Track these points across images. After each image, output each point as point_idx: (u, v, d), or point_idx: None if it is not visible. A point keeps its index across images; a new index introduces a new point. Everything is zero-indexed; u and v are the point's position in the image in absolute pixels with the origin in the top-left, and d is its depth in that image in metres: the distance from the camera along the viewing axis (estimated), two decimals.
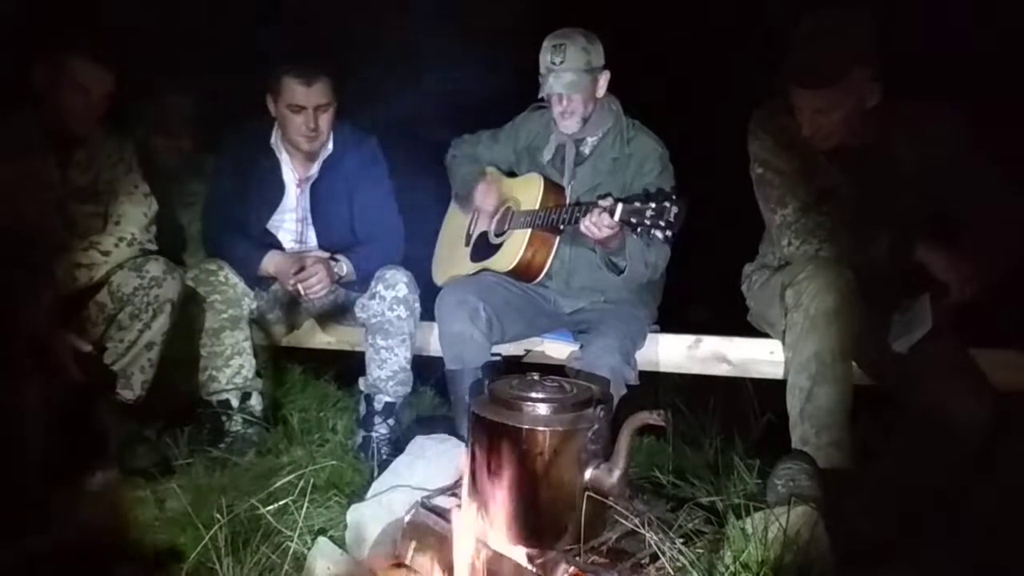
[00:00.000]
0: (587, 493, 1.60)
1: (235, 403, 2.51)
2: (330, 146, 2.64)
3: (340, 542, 1.80)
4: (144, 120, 2.92)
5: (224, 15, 3.33)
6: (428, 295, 2.52)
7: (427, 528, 1.67)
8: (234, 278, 2.52)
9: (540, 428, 1.59)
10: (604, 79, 2.43)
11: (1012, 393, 2.09)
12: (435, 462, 1.90)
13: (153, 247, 2.47)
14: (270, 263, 2.55)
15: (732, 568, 1.56)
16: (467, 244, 2.75)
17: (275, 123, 2.61)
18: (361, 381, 2.56)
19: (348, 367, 2.88)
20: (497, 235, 2.63)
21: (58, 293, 2.24)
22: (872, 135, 2.09)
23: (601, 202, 2.16)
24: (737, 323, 2.49)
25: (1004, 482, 1.94)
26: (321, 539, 1.75)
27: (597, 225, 2.16)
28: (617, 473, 1.59)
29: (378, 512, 1.78)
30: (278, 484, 1.91)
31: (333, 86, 2.52)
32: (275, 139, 2.64)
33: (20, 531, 1.77)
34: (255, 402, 2.56)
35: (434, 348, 2.61)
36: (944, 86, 2.26)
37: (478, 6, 3.41)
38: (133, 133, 2.67)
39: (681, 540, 1.60)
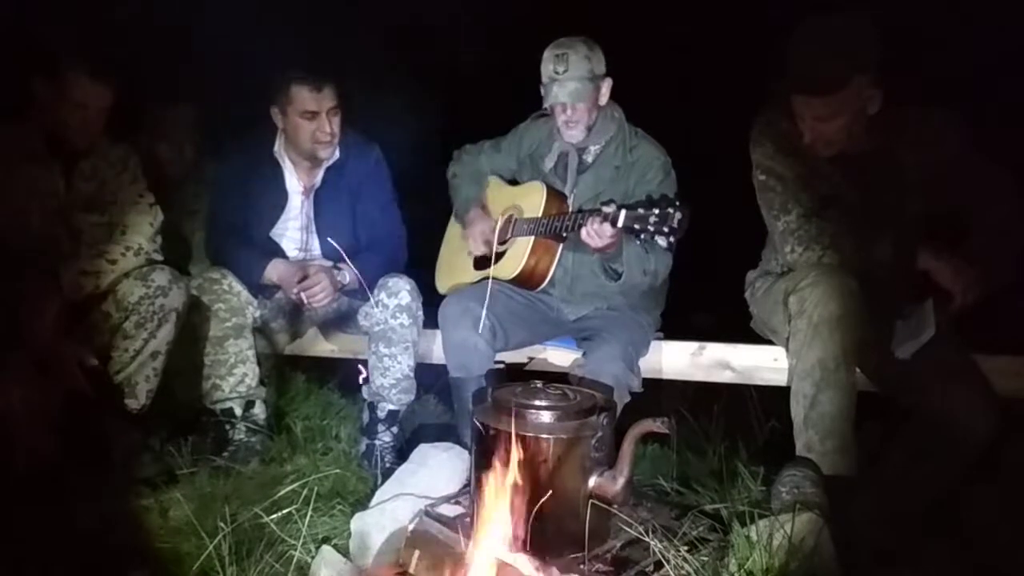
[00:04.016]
0: (591, 501, 1.60)
1: (239, 411, 2.51)
2: (336, 153, 2.64)
3: (344, 551, 1.80)
4: (146, 129, 2.93)
5: (224, 20, 3.34)
6: (431, 303, 2.52)
7: (431, 536, 1.67)
8: (238, 286, 2.52)
9: (544, 436, 1.59)
10: (607, 87, 2.43)
11: (1015, 399, 2.08)
12: (439, 470, 1.90)
13: (159, 257, 2.47)
14: (273, 271, 2.56)
15: None
16: (470, 252, 2.75)
17: (278, 131, 2.62)
18: (364, 389, 2.56)
19: (351, 375, 2.88)
20: (500, 243, 2.63)
21: (64, 302, 2.24)
22: (874, 141, 2.09)
23: (604, 208, 2.16)
24: (740, 330, 2.49)
25: (1007, 487, 1.94)
26: (325, 548, 1.74)
27: (599, 233, 2.17)
28: (621, 481, 1.60)
29: (382, 520, 1.78)
30: (282, 492, 1.91)
31: (338, 89, 2.52)
32: (278, 147, 2.64)
33: (22, 537, 1.78)
34: (259, 410, 2.56)
35: (437, 356, 2.62)
36: (945, 90, 2.26)
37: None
38: (137, 142, 2.67)
39: (685, 548, 1.60)
